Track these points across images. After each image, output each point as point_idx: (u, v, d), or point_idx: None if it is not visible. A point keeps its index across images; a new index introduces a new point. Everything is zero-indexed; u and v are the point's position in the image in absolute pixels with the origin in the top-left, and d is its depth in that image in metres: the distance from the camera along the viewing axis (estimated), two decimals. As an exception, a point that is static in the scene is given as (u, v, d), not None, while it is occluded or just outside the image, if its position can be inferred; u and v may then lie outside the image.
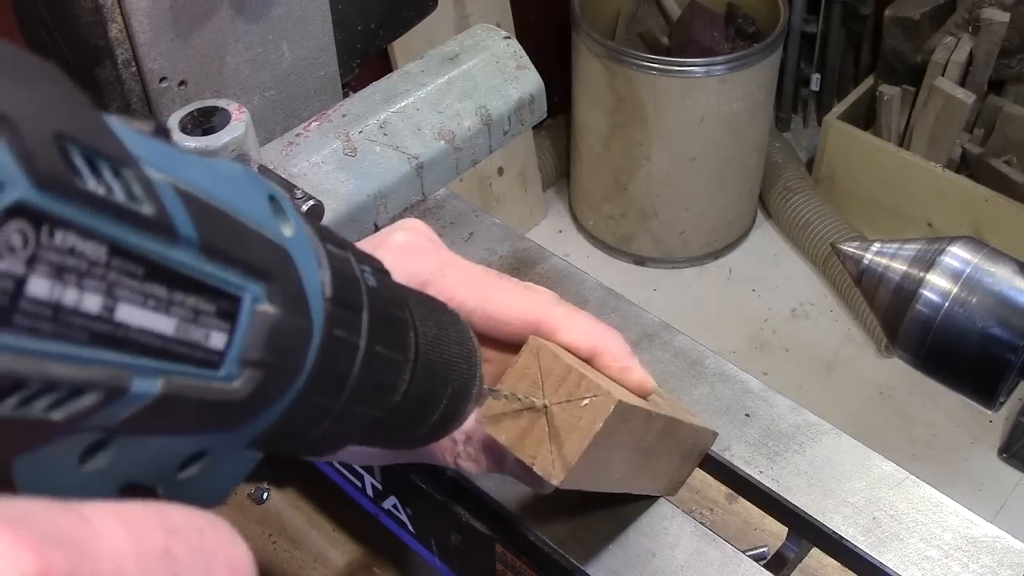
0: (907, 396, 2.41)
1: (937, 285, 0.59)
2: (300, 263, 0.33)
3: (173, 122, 0.73)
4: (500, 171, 2.63)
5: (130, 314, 0.26)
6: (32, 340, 0.23)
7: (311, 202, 0.70)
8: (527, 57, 0.88)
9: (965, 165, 2.63)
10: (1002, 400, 0.60)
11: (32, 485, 0.25)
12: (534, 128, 2.54)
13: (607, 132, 2.57)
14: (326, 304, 0.34)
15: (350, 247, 0.39)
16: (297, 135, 0.80)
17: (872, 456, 0.66)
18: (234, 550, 0.27)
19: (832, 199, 2.75)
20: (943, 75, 2.54)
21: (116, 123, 0.27)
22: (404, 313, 0.41)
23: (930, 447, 2.34)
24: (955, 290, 0.58)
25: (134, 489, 0.29)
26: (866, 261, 0.63)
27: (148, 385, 0.27)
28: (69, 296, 0.24)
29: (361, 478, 0.75)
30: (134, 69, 0.73)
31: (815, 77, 2.97)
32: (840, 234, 2.57)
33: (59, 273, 0.23)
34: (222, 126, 0.72)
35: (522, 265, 0.81)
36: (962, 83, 2.54)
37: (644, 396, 0.54)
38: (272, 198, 0.33)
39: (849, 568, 0.63)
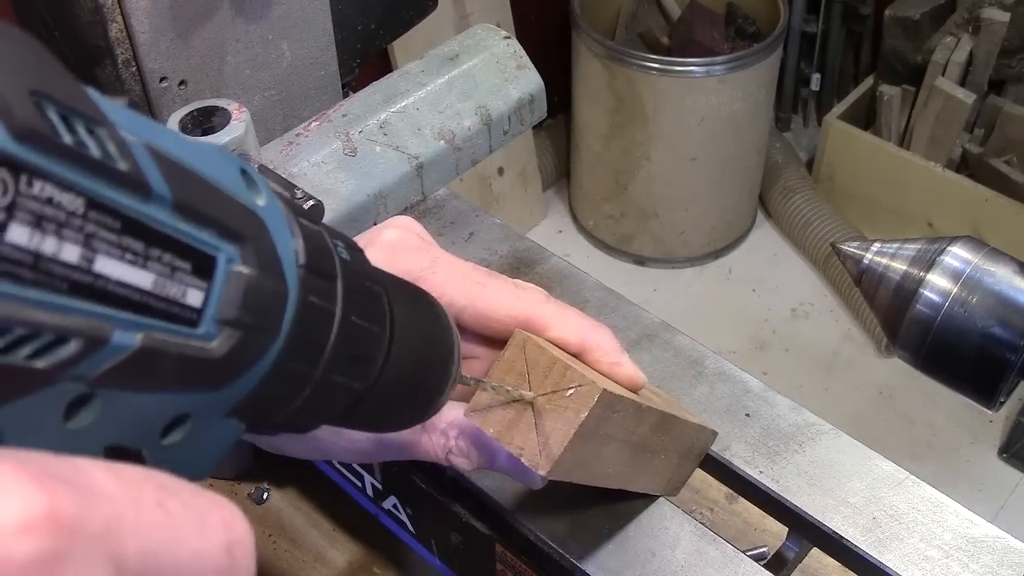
0: (907, 396, 2.41)
1: (937, 285, 0.59)
2: (273, 230, 0.34)
3: (173, 122, 0.73)
4: (500, 171, 2.63)
5: (108, 266, 0.27)
6: (13, 286, 0.24)
7: (311, 202, 0.70)
8: (527, 57, 0.88)
9: (965, 165, 2.63)
10: (1002, 400, 0.60)
11: (19, 439, 0.26)
12: (534, 128, 2.55)
13: (607, 132, 2.57)
14: (300, 270, 0.35)
15: (323, 224, 0.40)
16: (297, 135, 0.80)
17: (872, 456, 0.66)
18: (226, 510, 0.28)
19: (832, 199, 2.75)
20: (943, 75, 2.55)
21: (92, 92, 0.28)
22: (379, 288, 0.41)
23: (930, 447, 2.34)
24: (955, 290, 0.58)
25: (119, 452, 0.30)
26: (866, 261, 0.63)
27: (128, 338, 0.28)
28: (48, 245, 0.25)
29: (361, 478, 0.75)
30: (134, 69, 0.73)
31: (815, 77, 2.98)
32: (840, 234, 2.57)
33: (38, 222, 0.25)
34: (222, 126, 0.72)
35: (522, 265, 0.81)
36: (962, 83, 2.54)
37: (635, 391, 0.55)
38: (243, 171, 0.34)
39: (849, 568, 0.63)
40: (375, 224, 0.78)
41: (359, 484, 0.76)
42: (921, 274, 0.60)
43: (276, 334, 0.34)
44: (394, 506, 0.74)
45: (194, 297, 0.30)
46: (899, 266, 0.61)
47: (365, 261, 0.42)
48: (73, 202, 0.26)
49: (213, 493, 0.28)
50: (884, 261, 0.62)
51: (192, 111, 0.73)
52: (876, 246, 0.63)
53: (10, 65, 0.25)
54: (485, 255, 0.82)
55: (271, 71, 0.81)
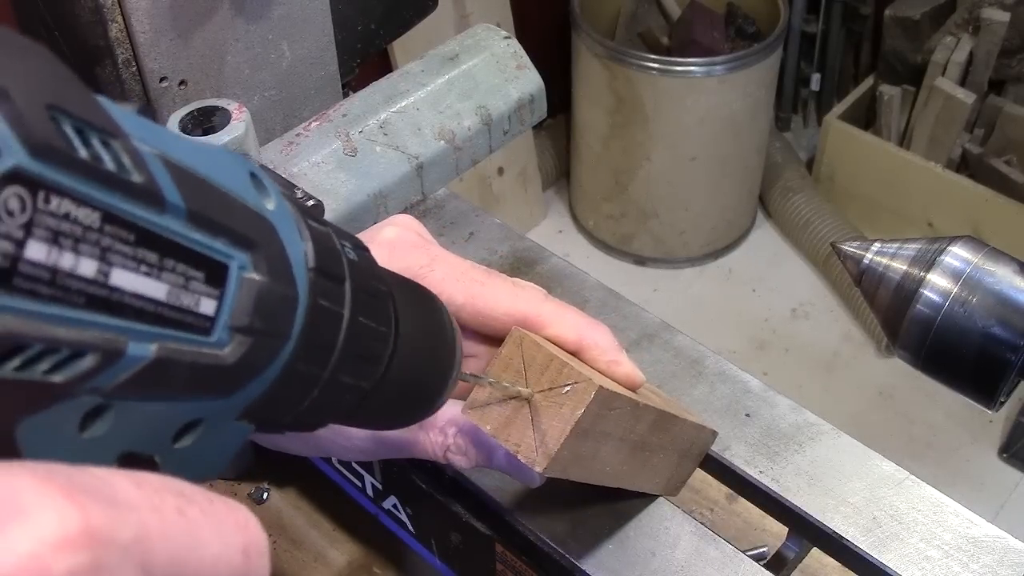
0: (907, 396, 2.41)
1: (937, 285, 0.59)
2: (283, 234, 0.34)
3: (173, 122, 0.73)
4: (500, 171, 2.63)
5: (124, 279, 0.27)
6: (32, 302, 0.24)
7: (311, 202, 0.70)
8: (527, 57, 0.88)
9: (965, 165, 2.63)
10: (1002, 400, 0.60)
11: (36, 451, 0.26)
12: (534, 128, 2.55)
13: (607, 132, 2.57)
14: (310, 273, 0.35)
15: (331, 225, 0.40)
16: (297, 135, 0.80)
17: (872, 456, 0.66)
18: (240, 513, 0.28)
19: (832, 199, 2.75)
20: (943, 75, 2.55)
21: (105, 101, 0.28)
22: (385, 288, 0.42)
23: (930, 447, 2.34)
24: (955, 290, 0.58)
25: (133, 459, 0.30)
26: (866, 261, 0.63)
27: (143, 349, 0.28)
28: (66, 260, 0.25)
29: (361, 478, 0.75)
30: (134, 69, 0.73)
31: (815, 77, 2.97)
32: (840, 234, 2.57)
33: (55, 238, 0.25)
34: (222, 126, 0.72)
35: (522, 265, 0.81)
36: (962, 83, 2.54)
37: (633, 389, 0.55)
38: (253, 175, 0.35)
39: (849, 568, 0.63)
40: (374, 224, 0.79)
41: (359, 484, 0.76)
42: (921, 274, 0.60)
43: (287, 338, 0.34)
44: (394, 506, 0.74)
45: (207, 306, 0.30)
46: (899, 266, 0.61)
47: (372, 261, 0.42)
48: (89, 216, 0.26)
49: (225, 498, 0.29)
50: (884, 261, 0.62)
51: (192, 111, 0.73)
52: (876, 246, 0.63)
53: (26, 79, 0.25)
54: (485, 255, 0.82)
55: (271, 71, 0.81)
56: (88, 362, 0.26)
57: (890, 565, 0.60)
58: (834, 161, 2.76)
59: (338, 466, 0.78)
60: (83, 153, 0.26)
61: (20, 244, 0.24)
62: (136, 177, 0.27)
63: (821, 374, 2.49)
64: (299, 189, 0.71)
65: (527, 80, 0.87)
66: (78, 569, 0.22)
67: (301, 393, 0.37)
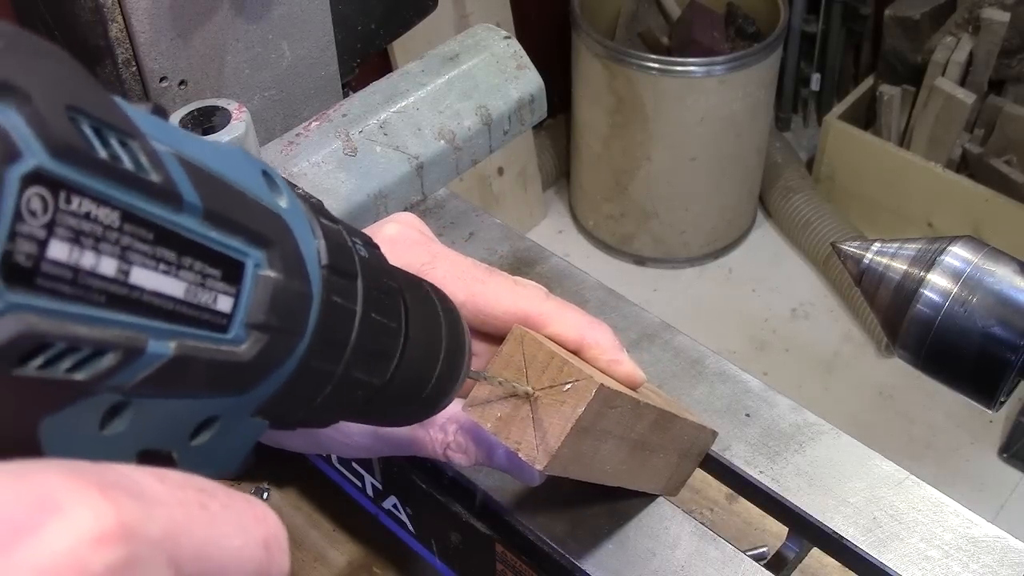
0: (907, 396, 2.41)
1: (937, 285, 0.59)
2: (296, 232, 0.35)
3: (173, 122, 0.73)
4: (500, 171, 2.63)
5: (143, 277, 0.27)
6: (54, 301, 0.25)
7: (311, 202, 0.70)
8: (527, 57, 0.88)
9: (965, 165, 2.63)
10: (1002, 400, 0.60)
11: (57, 449, 0.27)
12: (534, 128, 2.55)
13: (607, 132, 2.57)
14: (323, 271, 0.36)
15: (342, 222, 0.40)
16: (297, 135, 0.80)
17: (872, 456, 0.66)
18: (258, 507, 0.29)
19: (832, 199, 2.75)
20: (943, 75, 2.54)
21: (121, 101, 0.28)
22: (395, 284, 0.42)
23: (930, 447, 2.34)
24: (955, 290, 0.58)
25: (151, 455, 0.31)
26: (866, 261, 0.63)
27: (162, 347, 0.28)
28: (87, 259, 0.25)
29: (361, 478, 0.75)
30: (134, 69, 0.73)
31: (815, 77, 2.97)
32: (840, 234, 2.57)
33: (77, 237, 0.25)
34: (222, 126, 0.72)
35: (522, 265, 0.81)
36: (962, 83, 2.54)
37: (634, 388, 0.55)
38: (265, 173, 0.35)
39: (849, 568, 0.63)
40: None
41: (359, 484, 0.76)
42: (921, 274, 0.60)
43: (302, 335, 0.34)
44: (394, 506, 0.74)
45: (224, 303, 0.31)
46: (899, 266, 0.61)
47: (382, 258, 0.43)
48: (109, 216, 0.26)
49: (243, 493, 0.29)
50: (884, 261, 0.62)
51: (192, 111, 0.73)
52: (876, 246, 0.63)
53: (45, 81, 0.25)
54: (485, 255, 0.82)
55: (271, 71, 0.81)
56: (109, 360, 0.27)
57: (890, 565, 0.60)
58: (834, 161, 2.76)
59: (338, 466, 0.78)
60: (102, 153, 0.26)
61: (43, 244, 0.24)
62: (154, 176, 0.28)
63: (821, 374, 2.49)
64: (299, 189, 0.71)
65: (527, 80, 0.87)
66: (115, 564, 0.22)
67: (315, 389, 0.37)
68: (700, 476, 0.68)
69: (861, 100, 2.80)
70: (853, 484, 0.64)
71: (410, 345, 0.42)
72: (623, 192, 2.65)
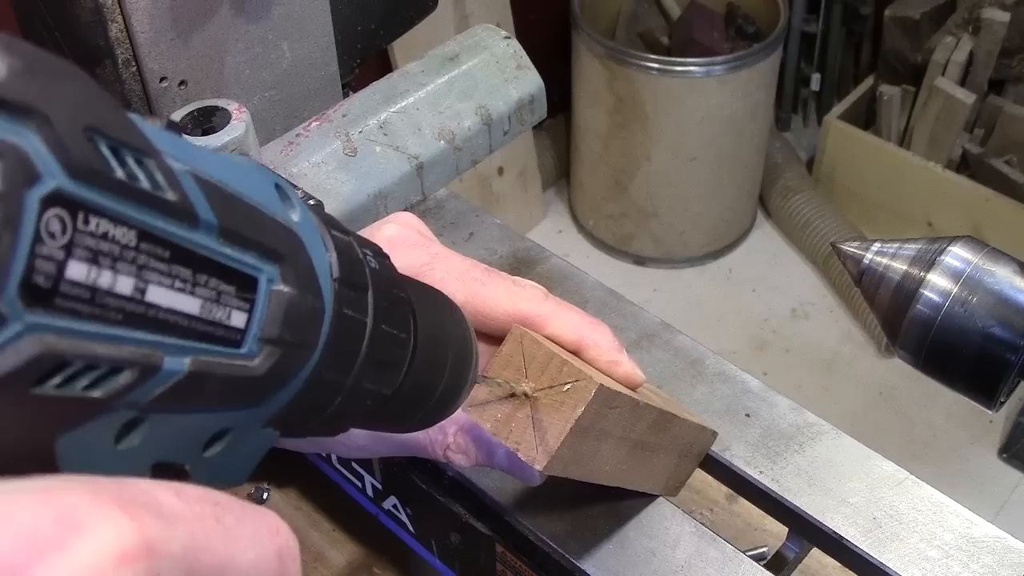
0: (907, 396, 2.41)
1: (937, 285, 0.59)
2: (309, 245, 0.35)
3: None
4: (500, 171, 2.63)
5: (159, 295, 0.28)
6: (72, 321, 0.25)
7: (311, 202, 0.70)
8: (527, 57, 0.88)
9: (965, 165, 2.63)
10: (1002, 400, 0.60)
11: (73, 464, 0.27)
12: (534, 128, 2.54)
13: (607, 132, 2.57)
14: (335, 284, 0.36)
15: (352, 233, 0.41)
16: (297, 135, 0.80)
17: (872, 456, 0.66)
18: (271, 518, 0.29)
19: (832, 199, 2.75)
20: (943, 75, 2.54)
21: (136, 118, 0.29)
22: (404, 293, 0.43)
23: (930, 447, 2.34)
24: (955, 290, 0.58)
25: (164, 468, 0.31)
26: (866, 261, 0.63)
27: (178, 363, 0.29)
28: (104, 279, 0.25)
29: (361, 478, 0.75)
30: (134, 69, 0.73)
31: (815, 77, 2.97)
32: (840, 234, 2.57)
33: (95, 257, 0.25)
34: (222, 126, 0.72)
35: (522, 265, 0.81)
36: (962, 83, 2.54)
37: (633, 389, 0.55)
38: (278, 186, 0.35)
39: (849, 568, 0.63)
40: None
41: (359, 484, 0.76)
42: (921, 274, 0.60)
43: (314, 348, 0.35)
44: (394, 506, 0.74)
45: (238, 318, 0.31)
46: (899, 266, 0.61)
47: (391, 268, 0.43)
48: (126, 235, 0.26)
49: (255, 505, 0.29)
50: (884, 261, 0.62)
51: (192, 111, 0.73)
52: (876, 246, 0.63)
53: (64, 102, 0.25)
54: (485, 255, 0.82)
55: (271, 71, 0.81)
56: (126, 377, 0.27)
57: (890, 565, 0.60)
58: (834, 161, 2.76)
59: (338, 466, 0.78)
60: (119, 173, 0.26)
61: (61, 265, 0.24)
62: (170, 195, 0.28)
63: (821, 374, 2.49)
64: (299, 189, 0.71)
65: (527, 80, 0.87)
66: None
67: (326, 400, 0.38)
68: (700, 476, 0.68)
69: (861, 100, 2.80)
70: (853, 484, 0.64)
71: (419, 354, 0.43)
72: (623, 192, 2.65)
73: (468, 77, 0.85)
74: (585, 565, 0.60)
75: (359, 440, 0.55)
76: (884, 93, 2.67)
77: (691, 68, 2.40)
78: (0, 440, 0.25)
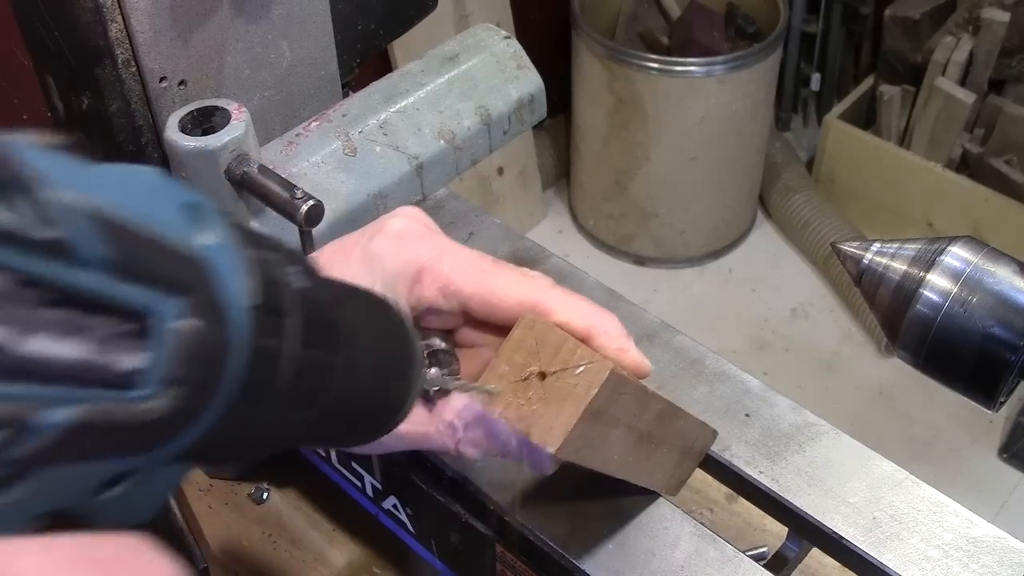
0: (907, 396, 2.41)
1: (937, 285, 0.59)
2: (220, 272, 0.32)
3: (173, 122, 0.73)
4: (500, 171, 2.63)
5: (39, 344, 0.25)
6: None
7: (311, 202, 0.70)
8: (527, 57, 0.88)
9: (965, 165, 2.63)
10: (1002, 400, 0.60)
11: None
12: (534, 128, 2.54)
13: (607, 132, 2.57)
14: (249, 312, 0.33)
15: (283, 249, 0.38)
16: (297, 135, 0.80)
17: (872, 456, 0.66)
18: (144, 556, 0.27)
19: (832, 199, 2.75)
20: (943, 75, 2.54)
21: (25, 142, 0.26)
22: (333, 313, 0.40)
23: (930, 447, 2.34)
24: (955, 290, 0.58)
25: (52, 516, 0.29)
26: (866, 261, 0.63)
27: (62, 415, 0.26)
28: None
29: (361, 478, 0.75)
30: (134, 69, 0.73)
31: (815, 77, 2.97)
32: (840, 234, 2.57)
33: None
34: (222, 126, 0.72)
35: (522, 265, 0.81)
36: (962, 83, 2.54)
37: (640, 378, 0.55)
38: (188, 206, 0.32)
39: (849, 568, 0.63)
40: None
41: (359, 484, 0.76)
42: (921, 274, 0.60)
43: (222, 384, 0.32)
44: (394, 506, 0.74)
45: (133, 360, 0.29)
46: (899, 266, 0.61)
47: (324, 284, 0.40)
48: (3, 282, 0.24)
49: (143, 547, 0.27)
50: (884, 261, 0.62)
51: (192, 111, 0.73)
52: (876, 246, 0.63)
53: None
54: (485, 255, 0.82)
55: (271, 71, 0.81)
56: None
57: (890, 565, 0.60)
58: (834, 161, 2.76)
59: (338, 466, 0.78)
60: None
61: None
62: (53, 233, 0.26)
63: (821, 374, 2.49)
64: (299, 189, 0.71)
65: (527, 80, 0.87)
66: None
67: (242, 432, 0.35)
68: (700, 476, 0.68)
69: (861, 100, 2.80)
70: (853, 484, 0.64)
71: (352, 375, 0.40)
72: (623, 192, 2.65)
73: (468, 77, 0.85)
74: (585, 565, 0.60)
75: None
76: (884, 93, 2.67)
77: (691, 68, 2.40)
78: None
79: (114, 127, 0.75)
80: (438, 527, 0.70)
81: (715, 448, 0.66)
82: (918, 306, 0.59)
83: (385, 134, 0.81)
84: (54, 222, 0.26)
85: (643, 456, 0.58)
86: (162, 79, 0.74)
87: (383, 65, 2.04)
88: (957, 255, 0.59)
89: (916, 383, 2.34)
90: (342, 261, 0.54)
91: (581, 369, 0.48)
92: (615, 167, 2.63)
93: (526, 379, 0.48)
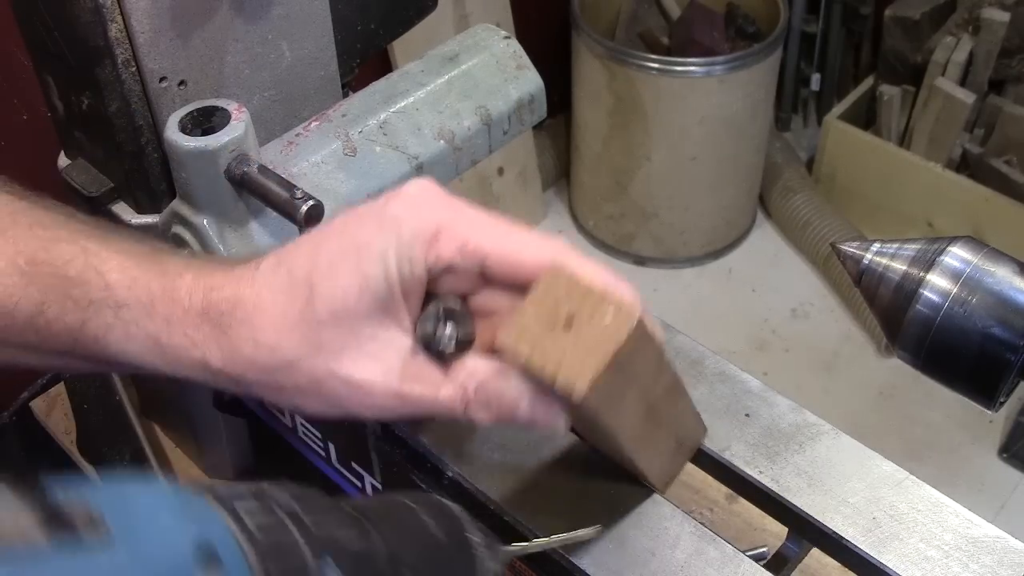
0: (907, 396, 2.41)
1: (937, 285, 0.59)
2: None
3: (173, 122, 0.73)
4: (500, 171, 2.63)
5: None
6: None
7: (311, 202, 0.70)
8: (527, 57, 0.88)
9: (965, 165, 2.63)
10: (1002, 400, 0.60)
11: None
12: (534, 128, 2.54)
13: (607, 132, 2.57)
14: None
15: (320, 555, 0.36)
16: (297, 135, 0.80)
17: (872, 456, 0.66)
18: None
19: (832, 199, 2.75)
20: (943, 75, 2.54)
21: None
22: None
23: (930, 447, 2.34)
24: (955, 290, 0.58)
25: None
26: (866, 261, 0.63)
27: None
28: None
29: (361, 478, 0.75)
30: (134, 69, 0.73)
31: (815, 77, 2.97)
32: (840, 234, 2.57)
33: None
34: (222, 126, 0.72)
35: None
36: (962, 83, 2.54)
37: None
38: (201, 545, 0.31)
39: (849, 568, 0.63)
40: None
41: (359, 484, 0.76)
42: (921, 274, 0.60)
43: None
44: (394, 506, 0.74)
45: None
46: (899, 266, 0.61)
47: (363, 558, 0.39)
48: None
49: None
50: (884, 261, 0.62)
51: (192, 111, 0.73)
52: (876, 246, 0.63)
53: None
54: (485, 255, 0.82)
55: (271, 71, 0.81)
56: None
57: (890, 565, 0.60)
58: (834, 161, 2.76)
59: (338, 466, 0.78)
60: None
61: None
62: None
63: (821, 374, 2.49)
64: (299, 189, 0.71)
65: (527, 80, 0.87)
66: None
67: None
68: (700, 476, 0.68)
69: (861, 100, 2.80)
70: (853, 484, 0.64)
71: None
72: (623, 192, 2.65)
73: (468, 77, 0.85)
74: (585, 564, 0.60)
75: (379, 400, 0.54)
76: (884, 93, 2.67)
77: (691, 68, 2.40)
78: None
79: (114, 127, 0.75)
80: (438, 527, 0.70)
81: (715, 448, 0.66)
82: (918, 306, 0.59)
83: (385, 134, 0.81)
84: None
85: (647, 432, 0.58)
86: (162, 79, 0.74)
87: (383, 65, 2.04)
88: (957, 255, 0.59)
89: (916, 383, 2.34)
90: (355, 226, 0.53)
91: (609, 316, 0.48)
92: (615, 167, 2.63)
93: (552, 328, 0.48)
